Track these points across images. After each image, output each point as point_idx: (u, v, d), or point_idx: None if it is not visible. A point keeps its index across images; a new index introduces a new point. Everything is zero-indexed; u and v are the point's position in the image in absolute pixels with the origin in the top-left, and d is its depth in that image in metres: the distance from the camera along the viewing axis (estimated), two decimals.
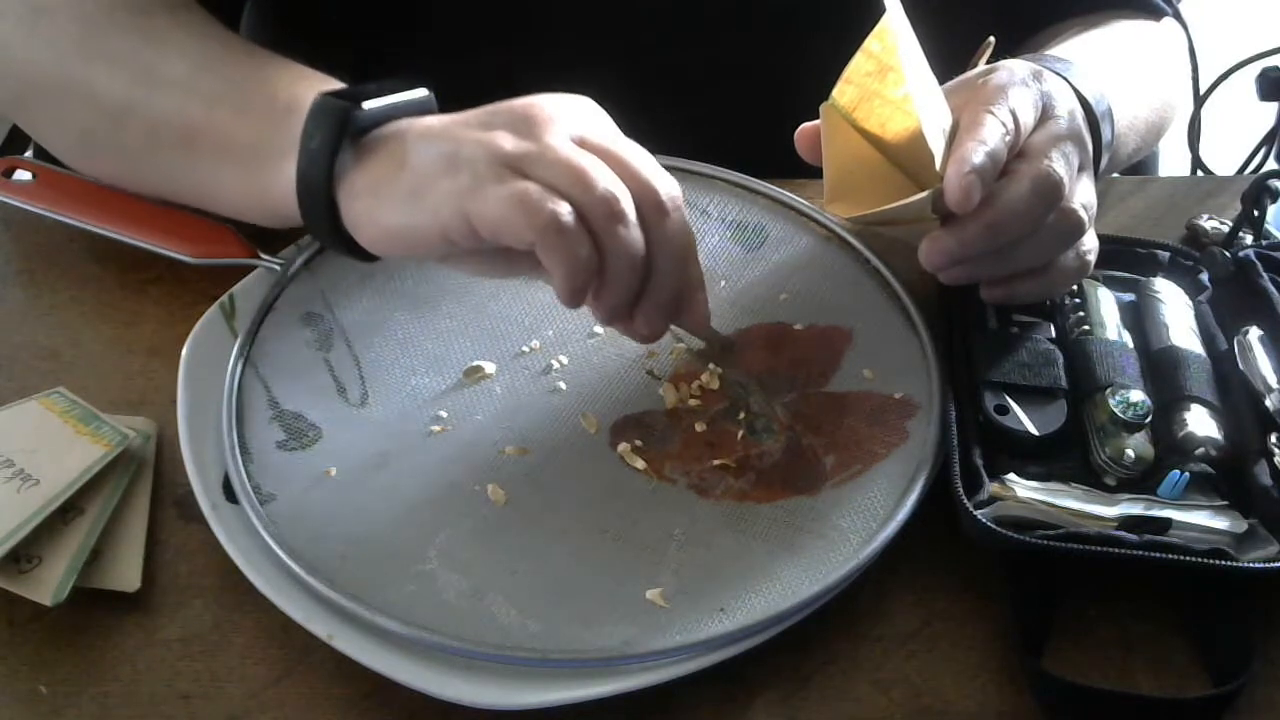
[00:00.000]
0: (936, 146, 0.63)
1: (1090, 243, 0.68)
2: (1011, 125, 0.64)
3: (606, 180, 0.57)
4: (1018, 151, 0.65)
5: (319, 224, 0.63)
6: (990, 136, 0.62)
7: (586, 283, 0.57)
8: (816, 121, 0.69)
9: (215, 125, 0.68)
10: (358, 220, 0.61)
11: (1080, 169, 0.66)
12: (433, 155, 0.59)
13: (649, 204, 0.59)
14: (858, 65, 0.67)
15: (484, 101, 0.62)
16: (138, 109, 0.70)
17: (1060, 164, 0.64)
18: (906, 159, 0.68)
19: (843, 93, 0.68)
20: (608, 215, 0.57)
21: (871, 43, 0.66)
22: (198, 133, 0.68)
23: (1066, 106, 0.67)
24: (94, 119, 0.72)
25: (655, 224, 0.59)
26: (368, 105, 0.61)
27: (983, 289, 0.68)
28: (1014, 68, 0.67)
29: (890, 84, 0.66)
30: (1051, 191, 0.63)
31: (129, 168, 0.74)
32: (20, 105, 0.76)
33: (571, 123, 0.60)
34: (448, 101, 0.65)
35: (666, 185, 0.60)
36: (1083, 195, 0.66)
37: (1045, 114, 0.66)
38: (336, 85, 0.66)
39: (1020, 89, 0.66)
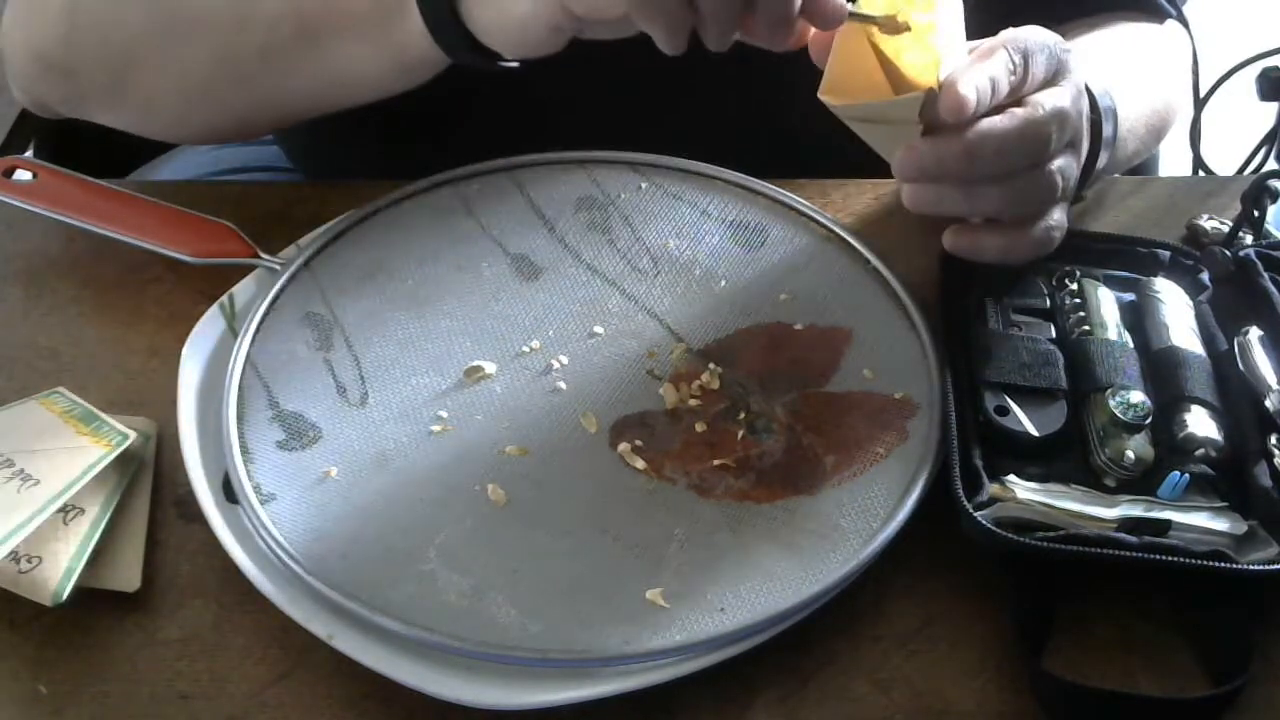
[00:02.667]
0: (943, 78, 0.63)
1: (1060, 219, 0.68)
2: (1021, 67, 0.64)
3: None
4: (1018, 100, 0.65)
5: (454, 40, 0.66)
6: (997, 67, 0.63)
7: (685, 33, 0.61)
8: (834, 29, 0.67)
9: (329, 7, 0.69)
10: (484, 26, 0.65)
11: (1070, 145, 0.67)
12: None
13: None
14: None
15: (489, 85, 0.64)
16: (250, 19, 0.71)
17: (1054, 124, 0.64)
18: (908, 88, 0.67)
19: (872, 1, 0.66)
20: None
21: None
22: (315, 21, 0.69)
23: (1077, 83, 0.67)
24: (212, 47, 0.72)
25: None
26: None
27: (947, 236, 0.68)
28: (1040, 30, 0.67)
29: (920, 5, 0.65)
30: (1036, 139, 0.64)
31: (260, 86, 0.74)
32: (134, 68, 0.75)
33: None
34: (439, 82, 0.68)
35: None
36: (1064, 165, 0.66)
37: (1055, 78, 0.67)
38: None
39: (1040, 45, 0.66)
